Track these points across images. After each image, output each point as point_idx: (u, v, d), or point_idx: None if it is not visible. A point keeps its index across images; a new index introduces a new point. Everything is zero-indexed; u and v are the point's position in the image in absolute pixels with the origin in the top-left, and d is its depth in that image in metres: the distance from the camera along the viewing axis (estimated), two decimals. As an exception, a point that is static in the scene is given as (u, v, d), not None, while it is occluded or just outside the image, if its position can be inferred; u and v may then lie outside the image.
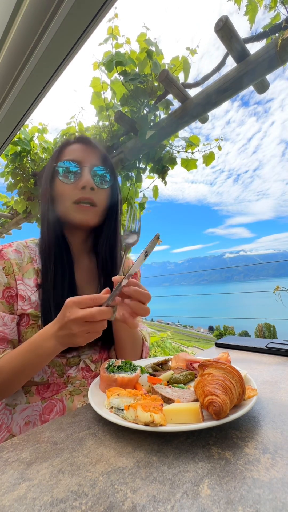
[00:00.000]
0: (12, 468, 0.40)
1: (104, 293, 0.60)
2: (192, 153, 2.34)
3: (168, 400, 0.51)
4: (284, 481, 0.33)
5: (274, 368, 0.72)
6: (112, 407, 0.50)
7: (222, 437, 0.43)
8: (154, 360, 0.75)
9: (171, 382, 0.61)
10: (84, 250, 0.90)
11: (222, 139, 2.30)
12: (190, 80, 1.99)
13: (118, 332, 0.80)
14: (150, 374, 0.65)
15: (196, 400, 0.49)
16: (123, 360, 0.63)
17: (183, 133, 2.28)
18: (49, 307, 0.74)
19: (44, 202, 0.82)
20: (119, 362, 0.62)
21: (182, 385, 0.58)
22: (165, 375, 0.63)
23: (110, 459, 0.40)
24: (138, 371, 0.61)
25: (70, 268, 0.80)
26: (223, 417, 0.42)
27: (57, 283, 0.76)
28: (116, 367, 0.61)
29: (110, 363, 0.62)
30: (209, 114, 1.99)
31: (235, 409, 0.46)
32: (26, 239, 0.88)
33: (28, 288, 0.76)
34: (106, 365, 0.61)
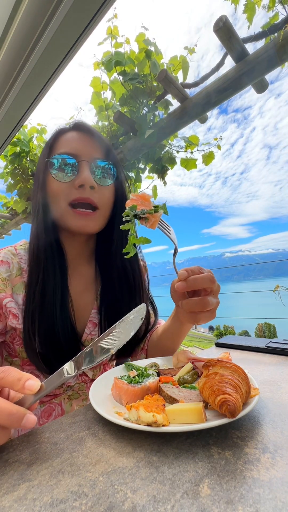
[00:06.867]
0: (12, 469, 0.40)
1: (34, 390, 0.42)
2: (192, 152, 2.34)
3: (173, 400, 0.50)
4: (284, 481, 0.33)
5: (274, 368, 0.72)
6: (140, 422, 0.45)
7: (222, 436, 0.43)
8: (148, 362, 0.73)
9: (180, 383, 0.59)
10: (83, 254, 0.79)
11: (221, 138, 2.30)
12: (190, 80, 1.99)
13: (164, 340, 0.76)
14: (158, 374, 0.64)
15: (201, 401, 0.49)
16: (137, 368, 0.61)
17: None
18: (33, 323, 0.64)
19: (35, 202, 0.70)
20: (134, 372, 0.59)
21: (193, 385, 0.57)
22: (183, 370, 0.62)
23: (110, 459, 0.40)
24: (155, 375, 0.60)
25: (62, 276, 0.69)
26: (237, 416, 0.42)
27: (45, 294, 0.65)
28: (136, 376, 0.57)
29: (125, 376, 0.58)
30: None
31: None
32: (17, 242, 0.78)
33: (16, 306, 0.67)
34: (125, 378, 0.56)
